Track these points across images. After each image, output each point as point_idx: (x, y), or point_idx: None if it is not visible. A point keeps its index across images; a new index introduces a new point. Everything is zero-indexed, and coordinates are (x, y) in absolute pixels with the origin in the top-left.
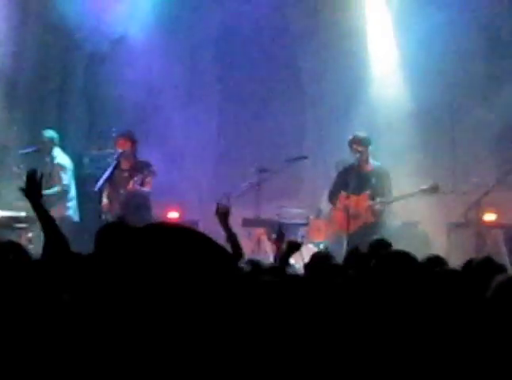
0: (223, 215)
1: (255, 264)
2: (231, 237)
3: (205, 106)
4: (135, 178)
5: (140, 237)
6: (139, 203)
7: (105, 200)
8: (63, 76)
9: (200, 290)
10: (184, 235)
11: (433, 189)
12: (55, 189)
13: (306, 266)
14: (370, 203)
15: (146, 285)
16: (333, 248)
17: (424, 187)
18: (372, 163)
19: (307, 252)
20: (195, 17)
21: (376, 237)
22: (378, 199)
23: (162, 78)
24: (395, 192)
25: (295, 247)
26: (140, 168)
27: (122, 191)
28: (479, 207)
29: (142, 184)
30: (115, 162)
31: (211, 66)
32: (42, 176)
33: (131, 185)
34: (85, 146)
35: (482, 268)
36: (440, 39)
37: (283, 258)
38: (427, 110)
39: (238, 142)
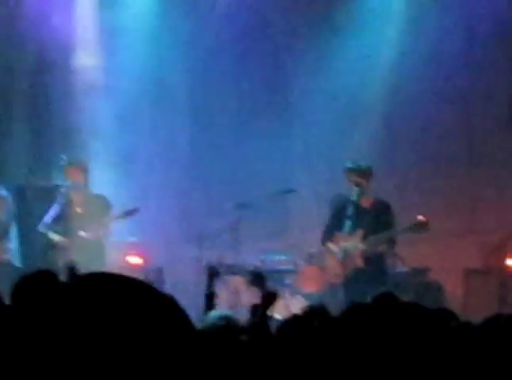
0: (212, 277)
1: (228, 320)
2: (210, 298)
3: (173, 128)
4: (94, 223)
5: (73, 289)
6: (96, 249)
7: (56, 237)
8: (3, 92)
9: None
10: (125, 288)
11: (423, 225)
12: None
13: (292, 322)
14: (360, 244)
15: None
16: (327, 300)
17: (414, 222)
18: (373, 197)
19: (295, 305)
20: (164, 25)
21: (373, 286)
22: (370, 239)
23: (122, 96)
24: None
25: (271, 298)
26: (97, 204)
27: (75, 232)
28: (501, 250)
29: (97, 225)
30: (63, 196)
31: (181, 79)
32: None
33: (90, 232)
34: (27, 176)
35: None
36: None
37: (258, 312)
38: (436, 138)
39: (212, 172)
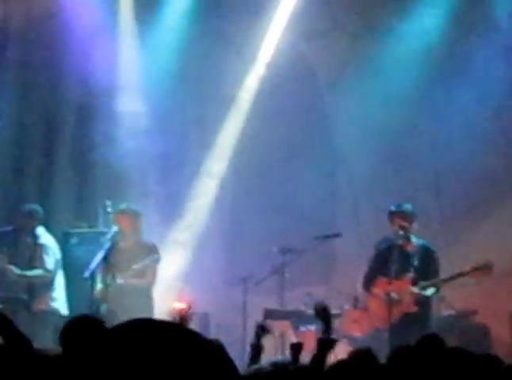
0: (260, 334)
1: (276, 365)
2: (256, 351)
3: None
4: (131, 269)
5: (117, 335)
6: (142, 296)
7: (98, 286)
8: (47, 135)
9: None
10: (170, 334)
11: (488, 268)
12: (38, 272)
13: (341, 367)
14: (412, 288)
15: None
16: (372, 344)
17: (476, 265)
18: (416, 241)
19: (340, 349)
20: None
21: (421, 330)
22: (421, 283)
23: (166, 143)
24: (443, 275)
25: (328, 345)
26: (145, 251)
27: (119, 278)
28: None
29: (143, 272)
30: (110, 242)
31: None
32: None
33: (126, 278)
34: (72, 223)
35: None
36: None
37: (316, 359)
38: (482, 177)
39: (257, 216)
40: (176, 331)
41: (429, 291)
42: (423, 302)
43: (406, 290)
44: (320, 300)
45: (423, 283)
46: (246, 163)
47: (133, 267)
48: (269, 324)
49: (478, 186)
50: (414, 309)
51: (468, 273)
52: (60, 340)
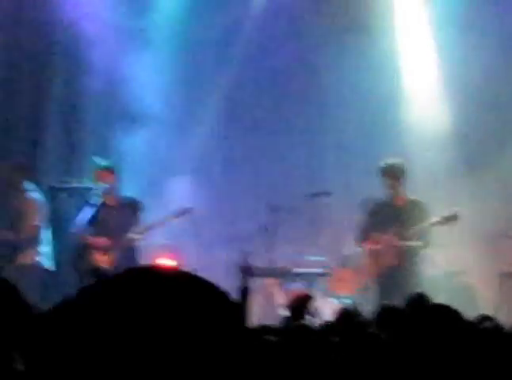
0: (245, 275)
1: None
2: (244, 292)
3: (207, 132)
4: (136, 228)
5: (125, 285)
6: (128, 252)
7: (88, 240)
8: (36, 90)
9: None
10: (182, 282)
11: (454, 217)
12: (21, 229)
13: (328, 326)
14: (396, 241)
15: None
16: (360, 302)
17: (446, 215)
18: (407, 197)
19: (328, 307)
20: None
21: (406, 286)
22: (403, 236)
23: (158, 100)
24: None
25: (305, 300)
26: (130, 208)
27: (107, 235)
28: None
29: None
30: (97, 198)
31: (215, 85)
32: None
33: (121, 235)
34: (60, 178)
35: None
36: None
37: (293, 315)
38: (473, 135)
39: (245, 176)
40: (180, 279)
41: (413, 243)
42: (406, 254)
43: (391, 243)
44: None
45: (405, 236)
46: (236, 119)
47: (118, 223)
48: (251, 265)
49: (465, 145)
50: (396, 261)
51: (439, 222)
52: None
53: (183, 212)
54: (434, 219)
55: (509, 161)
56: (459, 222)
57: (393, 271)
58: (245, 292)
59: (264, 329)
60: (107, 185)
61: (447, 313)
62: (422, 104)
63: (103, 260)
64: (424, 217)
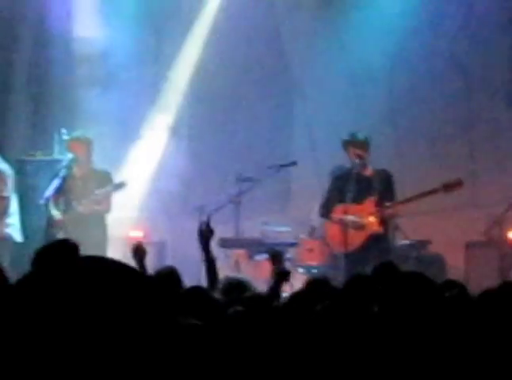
0: (205, 238)
1: (234, 288)
2: (209, 263)
3: (172, 103)
4: (94, 195)
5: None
6: (95, 223)
7: (55, 213)
8: (2, 61)
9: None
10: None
11: (458, 184)
12: None
13: (296, 295)
14: (377, 208)
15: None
16: (329, 273)
17: (447, 182)
18: (372, 167)
19: (297, 278)
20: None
21: (379, 255)
22: (386, 204)
23: (123, 67)
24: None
25: (284, 275)
26: (98, 179)
27: (74, 204)
28: (502, 223)
29: (100, 200)
30: (65, 170)
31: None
32: None
33: (85, 206)
34: (28, 150)
35: (503, 296)
36: None
37: (272, 289)
38: (440, 106)
39: (212, 147)
40: (122, 271)
41: (391, 210)
42: (389, 221)
43: (369, 212)
44: (275, 249)
45: (389, 204)
46: (203, 92)
47: (96, 192)
48: (209, 225)
49: (431, 114)
50: (379, 229)
51: (441, 189)
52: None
53: (119, 186)
54: (436, 186)
55: (475, 133)
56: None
57: (374, 237)
58: (211, 262)
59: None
60: (72, 156)
61: (417, 281)
62: (384, 75)
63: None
64: (393, 188)
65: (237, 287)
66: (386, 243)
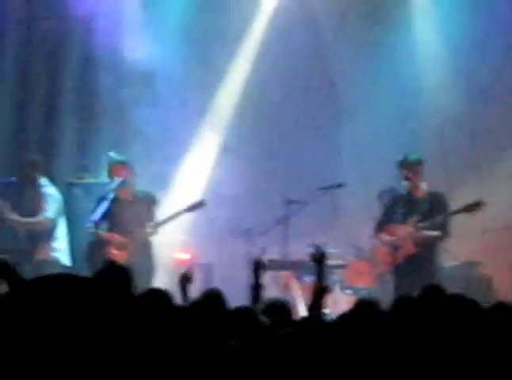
0: (257, 269)
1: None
2: (256, 288)
3: (225, 123)
4: (153, 222)
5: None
6: (145, 247)
7: (104, 235)
8: (50, 83)
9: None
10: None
11: (479, 204)
12: (39, 219)
13: (345, 317)
14: (412, 230)
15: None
16: (377, 294)
17: (469, 202)
18: (426, 189)
19: (345, 300)
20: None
21: (426, 276)
22: (422, 225)
23: (171, 87)
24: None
25: (324, 290)
26: (145, 202)
27: (123, 230)
28: None
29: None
30: (112, 193)
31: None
32: None
33: (137, 230)
34: (76, 173)
35: None
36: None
37: (312, 305)
38: (487, 126)
39: (261, 170)
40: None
41: (431, 232)
42: (424, 244)
43: (408, 233)
44: (319, 247)
45: (422, 225)
46: (251, 115)
47: (135, 217)
48: (264, 259)
49: (481, 135)
50: (413, 250)
51: (463, 210)
52: None
53: (195, 206)
54: (458, 207)
55: None
56: (483, 209)
57: (411, 261)
58: (257, 288)
59: (279, 323)
60: (121, 179)
61: (463, 304)
62: (438, 95)
63: (118, 256)
64: (443, 208)
65: (279, 308)
66: (427, 265)
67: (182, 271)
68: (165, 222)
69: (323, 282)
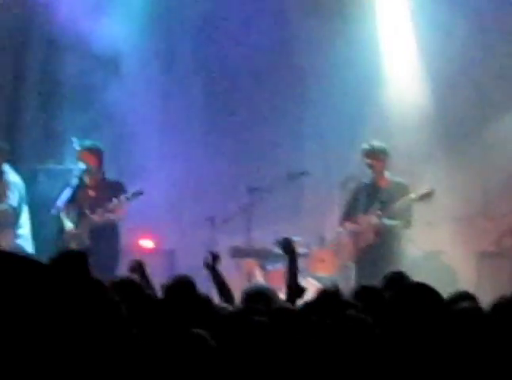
0: (213, 264)
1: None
2: (220, 285)
3: (185, 112)
4: (107, 205)
5: None
6: (108, 232)
7: (67, 223)
8: (14, 70)
9: None
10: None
11: (430, 193)
12: (1, 206)
13: (308, 306)
14: (373, 220)
15: None
16: (341, 283)
17: (422, 192)
18: (390, 178)
19: (308, 288)
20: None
21: (388, 265)
22: (382, 215)
23: (137, 79)
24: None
25: (298, 293)
26: (111, 189)
27: (88, 214)
28: None
29: (112, 210)
30: (77, 180)
31: (193, 67)
32: None
33: (99, 215)
34: (40, 159)
35: None
36: (464, 32)
37: (288, 298)
38: (451, 116)
39: (224, 157)
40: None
41: (392, 221)
42: (385, 233)
43: (369, 222)
44: (284, 236)
45: (383, 214)
46: (217, 101)
47: (113, 200)
48: (216, 252)
49: (442, 125)
50: (375, 239)
51: (415, 199)
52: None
53: (134, 195)
54: (410, 196)
55: (486, 142)
56: (433, 199)
57: (372, 250)
58: (221, 284)
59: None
60: (86, 166)
61: (425, 293)
62: (401, 85)
63: (79, 243)
64: (404, 198)
65: (261, 297)
66: (388, 254)
67: (131, 261)
68: (109, 209)
69: (295, 269)
